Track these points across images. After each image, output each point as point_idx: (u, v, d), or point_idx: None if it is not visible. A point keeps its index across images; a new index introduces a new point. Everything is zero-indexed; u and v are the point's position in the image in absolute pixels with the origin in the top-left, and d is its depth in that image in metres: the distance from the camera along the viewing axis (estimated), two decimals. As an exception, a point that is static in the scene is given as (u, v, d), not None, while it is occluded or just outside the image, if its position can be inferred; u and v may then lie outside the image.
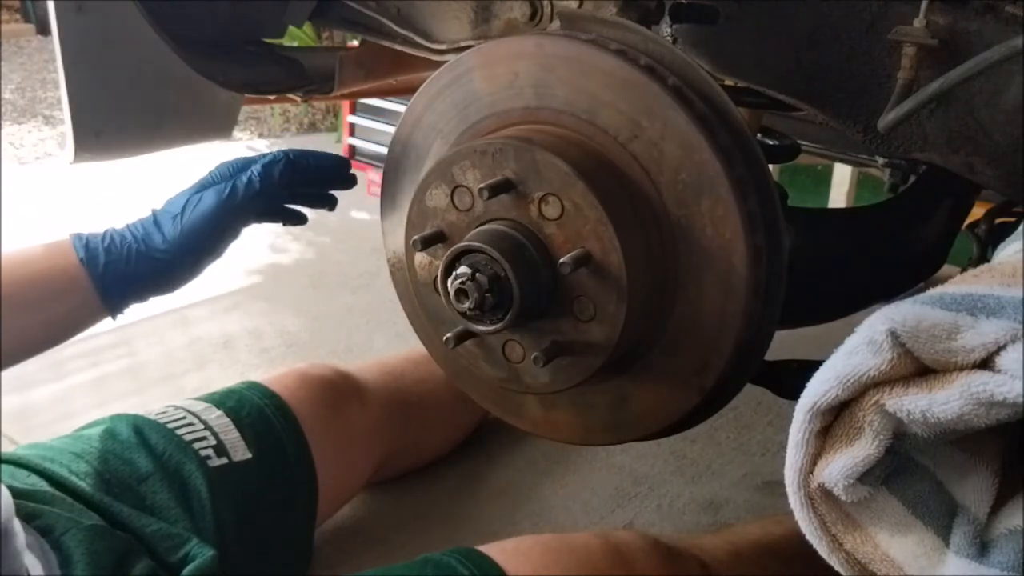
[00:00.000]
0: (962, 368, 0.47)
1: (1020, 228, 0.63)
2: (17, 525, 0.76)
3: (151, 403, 1.13)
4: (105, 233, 0.93)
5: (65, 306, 0.91)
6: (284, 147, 0.97)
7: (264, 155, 0.96)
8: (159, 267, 0.92)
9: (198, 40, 1.02)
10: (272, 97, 1.22)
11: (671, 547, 1.02)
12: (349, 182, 1.02)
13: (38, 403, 0.97)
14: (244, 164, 0.95)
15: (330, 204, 1.03)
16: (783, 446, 0.53)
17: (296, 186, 0.97)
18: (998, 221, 1.18)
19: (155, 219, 0.94)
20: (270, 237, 2.53)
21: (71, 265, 0.90)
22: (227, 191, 0.92)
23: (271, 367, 1.75)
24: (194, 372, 1.74)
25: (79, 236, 0.92)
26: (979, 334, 0.47)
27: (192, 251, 0.93)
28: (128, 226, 0.94)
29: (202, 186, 0.94)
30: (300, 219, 1.02)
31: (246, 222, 0.96)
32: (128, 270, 0.91)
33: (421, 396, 1.35)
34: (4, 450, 1.05)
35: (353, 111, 3.12)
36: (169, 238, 0.92)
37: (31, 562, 0.78)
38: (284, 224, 1.01)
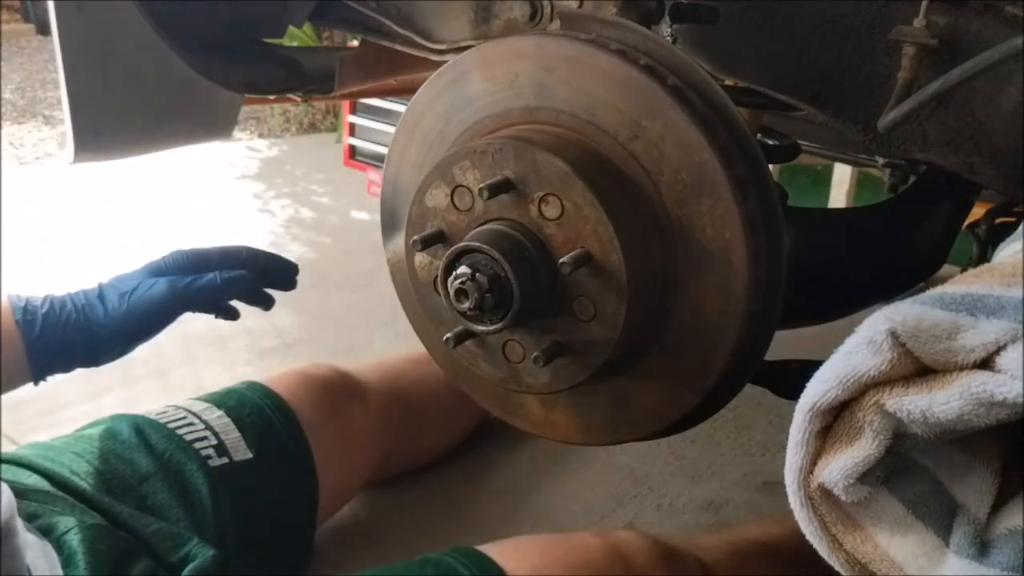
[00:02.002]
0: (962, 368, 0.47)
1: (1020, 228, 0.63)
2: (18, 523, 0.76)
3: (143, 398, 1.13)
4: (46, 298, 0.93)
5: None
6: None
7: (224, 253, 0.99)
8: (94, 341, 0.92)
9: (198, 40, 1.02)
10: (272, 97, 1.22)
11: (671, 547, 1.02)
12: (291, 287, 1.07)
13: (28, 395, 0.97)
14: (202, 261, 0.97)
15: (267, 304, 1.06)
16: (783, 446, 0.53)
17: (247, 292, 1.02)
18: (998, 221, 1.18)
19: (100, 293, 0.94)
20: (270, 237, 2.53)
21: (8, 326, 0.90)
22: (182, 286, 0.95)
23: (271, 367, 1.75)
24: (189, 371, 1.74)
25: (19, 297, 0.92)
26: (979, 334, 0.47)
27: (130, 333, 0.94)
28: (71, 295, 0.94)
29: (156, 271, 0.96)
30: (234, 315, 1.05)
31: (185, 312, 0.98)
32: (63, 338, 0.91)
33: (421, 396, 1.35)
34: (4, 450, 1.06)
35: (353, 111, 3.12)
36: (112, 314, 0.92)
37: (33, 561, 0.78)
38: (217, 317, 1.04)
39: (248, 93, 1.16)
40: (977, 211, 1.20)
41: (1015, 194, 0.76)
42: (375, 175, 2.91)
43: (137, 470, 0.98)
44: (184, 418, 1.06)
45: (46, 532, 0.83)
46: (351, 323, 1.99)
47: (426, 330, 0.82)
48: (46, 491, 0.90)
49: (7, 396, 0.91)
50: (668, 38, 0.80)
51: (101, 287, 0.95)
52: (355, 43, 1.19)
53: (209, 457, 1.02)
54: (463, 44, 0.91)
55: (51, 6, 1.09)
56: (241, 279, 0.98)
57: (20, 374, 0.92)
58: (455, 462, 1.45)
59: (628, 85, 0.67)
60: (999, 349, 0.46)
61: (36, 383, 0.94)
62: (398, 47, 0.99)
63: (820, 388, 0.50)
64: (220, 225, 2.59)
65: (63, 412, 1.16)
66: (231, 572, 0.95)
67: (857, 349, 0.49)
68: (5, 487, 0.77)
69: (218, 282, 0.96)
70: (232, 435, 1.07)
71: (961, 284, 0.52)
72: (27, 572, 0.76)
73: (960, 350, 0.47)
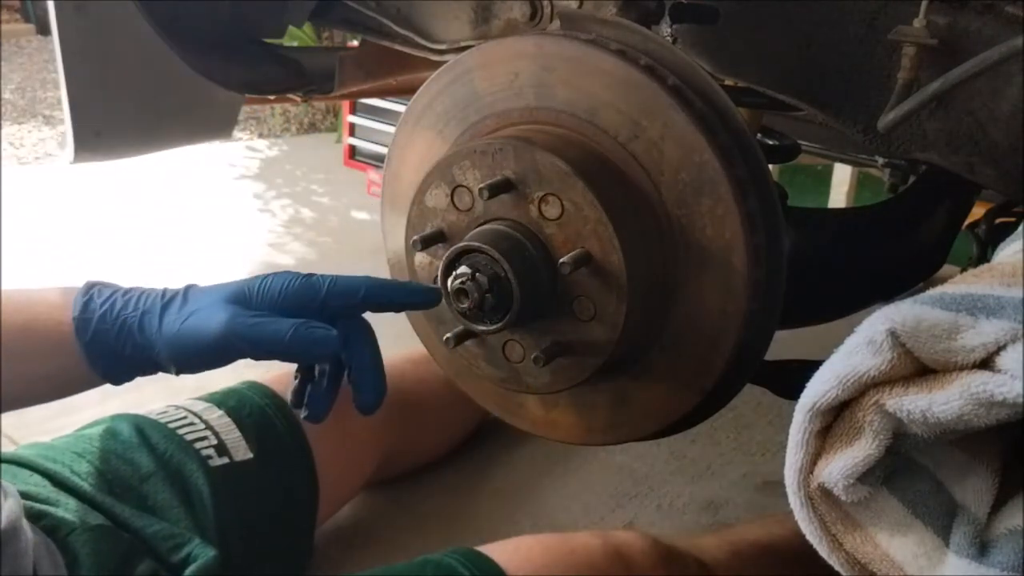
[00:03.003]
0: (962, 368, 0.47)
1: (1020, 228, 0.63)
2: (25, 524, 0.76)
3: (149, 402, 1.13)
4: (113, 294, 0.78)
5: (49, 366, 0.77)
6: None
7: (335, 288, 0.75)
8: (143, 354, 0.76)
9: (198, 40, 1.02)
10: (272, 97, 1.22)
11: (671, 547, 1.02)
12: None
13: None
14: (302, 299, 0.75)
15: (361, 401, 0.81)
16: (783, 446, 0.53)
17: None
18: (998, 221, 1.18)
19: (168, 302, 0.77)
20: (270, 237, 2.53)
21: (65, 323, 0.76)
22: (241, 327, 0.73)
23: (272, 367, 1.75)
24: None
25: (87, 289, 0.78)
26: (979, 334, 0.47)
27: (177, 359, 0.76)
28: (142, 294, 0.78)
29: (239, 296, 0.76)
30: (317, 415, 0.82)
31: (256, 357, 0.77)
32: (114, 347, 0.76)
33: (421, 396, 1.35)
34: (4, 450, 1.05)
35: (353, 111, 3.12)
36: (164, 333, 0.75)
37: (38, 562, 0.78)
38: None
39: (248, 93, 1.17)
40: (977, 211, 1.20)
41: (1015, 194, 0.76)
42: (375, 175, 2.91)
43: (138, 470, 0.98)
44: (184, 418, 1.06)
45: (50, 532, 0.83)
46: (351, 323, 1.99)
47: (426, 330, 0.82)
48: (47, 491, 0.90)
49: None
50: (668, 38, 0.80)
51: (176, 295, 0.78)
52: (355, 43, 1.19)
53: (210, 457, 1.02)
54: (463, 44, 0.91)
55: (51, 6, 1.09)
56: (326, 341, 0.72)
57: (80, 377, 0.78)
58: (455, 462, 1.45)
59: (628, 85, 0.67)
60: (999, 349, 0.46)
61: (115, 383, 0.80)
62: (398, 47, 0.99)
63: (820, 388, 0.50)
64: (220, 225, 2.59)
65: (68, 417, 1.16)
66: (232, 572, 0.95)
67: (857, 349, 0.49)
68: (14, 489, 0.78)
69: (285, 338, 0.72)
70: (233, 435, 1.07)
71: (961, 284, 0.52)
72: (33, 572, 0.76)
73: (960, 350, 0.47)
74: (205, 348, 0.74)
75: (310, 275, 0.76)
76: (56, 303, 0.77)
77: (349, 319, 0.77)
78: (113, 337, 0.76)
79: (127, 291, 0.78)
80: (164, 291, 0.78)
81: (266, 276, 0.76)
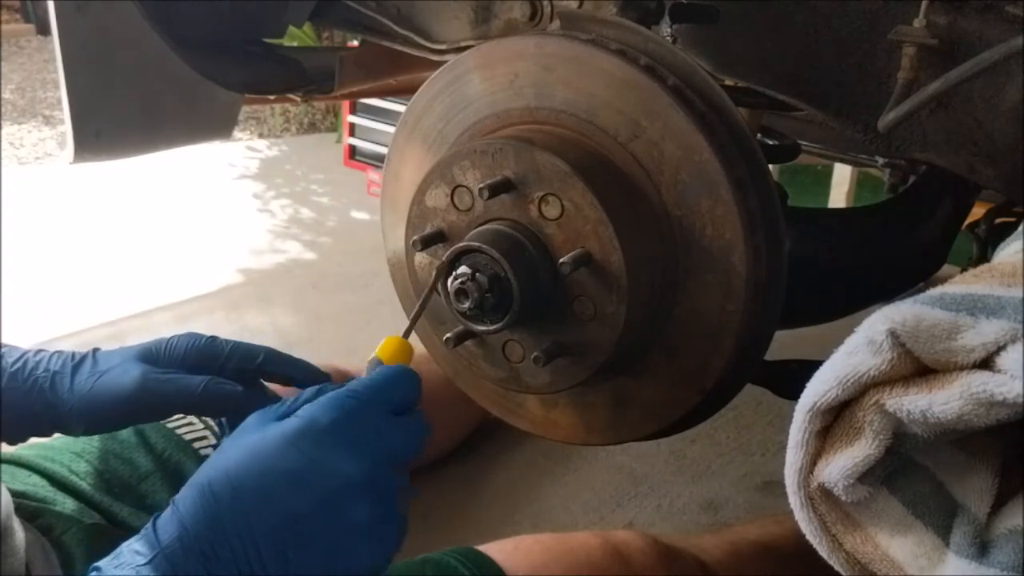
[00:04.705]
0: (962, 368, 0.47)
1: (1020, 228, 0.63)
2: (16, 523, 0.76)
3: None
4: (24, 354, 0.80)
5: None
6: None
7: (237, 351, 0.81)
8: (54, 413, 0.78)
9: (198, 40, 1.02)
10: (272, 97, 1.22)
11: (670, 547, 1.02)
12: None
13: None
14: (205, 357, 0.80)
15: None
16: (783, 446, 0.53)
17: None
18: (998, 221, 1.18)
19: (79, 362, 0.80)
20: (269, 237, 2.53)
21: None
22: (153, 383, 0.77)
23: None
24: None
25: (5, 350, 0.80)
26: (979, 334, 0.47)
27: (90, 417, 0.78)
28: (55, 355, 0.80)
29: (147, 355, 0.80)
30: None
31: (169, 412, 0.82)
32: (24, 403, 0.78)
33: (421, 396, 1.35)
34: (4, 450, 1.06)
35: (353, 111, 3.12)
36: (76, 391, 0.77)
37: (31, 560, 0.78)
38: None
39: (248, 93, 1.16)
40: (977, 211, 1.20)
41: (1015, 194, 0.76)
42: (375, 175, 2.91)
43: (136, 469, 0.98)
44: (183, 417, 1.06)
45: (45, 531, 0.83)
46: (351, 323, 1.99)
47: (426, 330, 0.82)
48: (45, 491, 0.90)
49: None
50: (668, 38, 0.80)
51: (85, 356, 0.80)
52: (355, 43, 1.19)
53: (208, 456, 1.02)
54: (463, 44, 0.91)
55: (51, 6, 1.09)
56: (233, 396, 0.78)
57: None
58: (455, 462, 1.45)
59: (628, 85, 0.67)
60: (999, 349, 0.46)
61: (11, 443, 0.82)
62: (398, 47, 0.99)
63: (820, 388, 0.50)
64: (220, 225, 2.59)
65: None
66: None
67: (857, 349, 0.49)
68: (4, 488, 0.77)
69: (196, 392, 0.76)
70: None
71: (961, 284, 0.52)
72: (26, 571, 0.76)
73: (960, 350, 0.47)
74: (119, 403, 0.77)
75: (213, 337, 0.82)
76: None
77: (250, 383, 0.82)
78: (23, 395, 0.77)
79: (37, 352, 0.80)
80: (73, 353, 0.80)
81: (171, 337, 0.81)
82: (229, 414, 0.84)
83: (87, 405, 0.77)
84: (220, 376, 0.79)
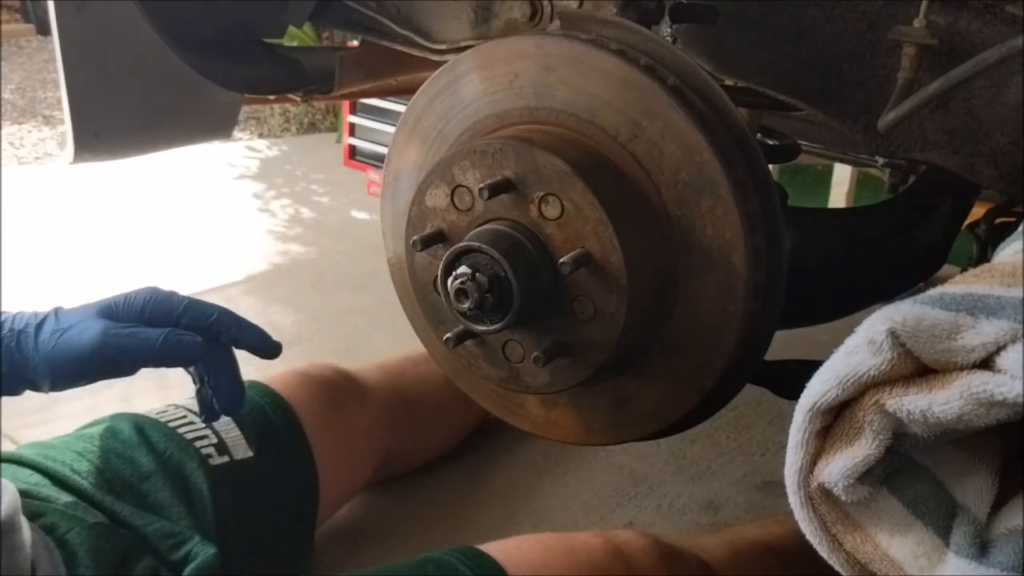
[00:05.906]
0: (962, 368, 0.47)
1: (1020, 228, 0.63)
2: (22, 520, 0.76)
3: (141, 395, 1.13)
4: None
5: None
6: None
7: (191, 308, 0.84)
8: (20, 371, 0.79)
9: (198, 40, 1.02)
10: (272, 97, 1.21)
11: (671, 546, 1.02)
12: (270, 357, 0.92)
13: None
14: (162, 311, 0.83)
15: (223, 401, 0.88)
16: (783, 446, 0.53)
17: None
18: (998, 221, 1.18)
19: (42, 321, 0.81)
20: (269, 237, 2.53)
21: None
22: (113, 337, 0.79)
23: (271, 366, 1.75)
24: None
25: None
26: (979, 334, 0.47)
27: (55, 374, 0.80)
28: (20, 315, 0.81)
29: (107, 311, 0.82)
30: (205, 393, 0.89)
31: (130, 367, 0.83)
32: None
33: (421, 396, 1.35)
34: (5, 449, 1.06)
35: (353, 111, 3.12)
36: (40, 349, 0.79)
37: (36, 559, 0.78)
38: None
39: (248, 93, 1.16)
40: (977, 211, 1.20)
41: (1015, 194, 0.76)
42: (375, 175, 2.91)
43: (138, 469, 0.98)
44: (184, 417, 1.06)
45: (48, 531, 0.83)
46: (351, 323, 1.99)
47: (426, 330, 0.82)
48: (47, 490, 0.90)
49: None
50: (668, 38, 0.80)
51: (47, 315, 0.82)
52: (355, 43, 1.19)
53: (209, 456, 1.02)
54: (463, 44, 0.91)
55: (51, 6, 1.09)
56: (192, 347, 0.81)
57: None
58: (455, 462, 1.45)
59: (628, 85, 0.67)
60: (999, 349, 0.46)
61: None
62: (398, 47, 0.99)
63: (820, 388, 0.50)
64: (220, 225, 2.59)
65: (60, 407, 1.16)
66: (232, 571, 0.95)
67: (857, 349, 0.49)
68: (9, 483, 0.78)
69: (156, 344, 0.79)
70: (232, 433, 1.07)
71: (961, 284, 0.52)
72: (31, 569, 0.76)
73: (960, 350, 0.47)
74: (82, 359, 0.79)
75: (171, 292, 0.85)
76: None
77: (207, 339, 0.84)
78: None
79: (1, 314, 0.81)
80: (36, 313, 0.82)
81: (129, 292, 0.84)
82: (187, 365, 0.86)
83: (52, 362, 0.79)
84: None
